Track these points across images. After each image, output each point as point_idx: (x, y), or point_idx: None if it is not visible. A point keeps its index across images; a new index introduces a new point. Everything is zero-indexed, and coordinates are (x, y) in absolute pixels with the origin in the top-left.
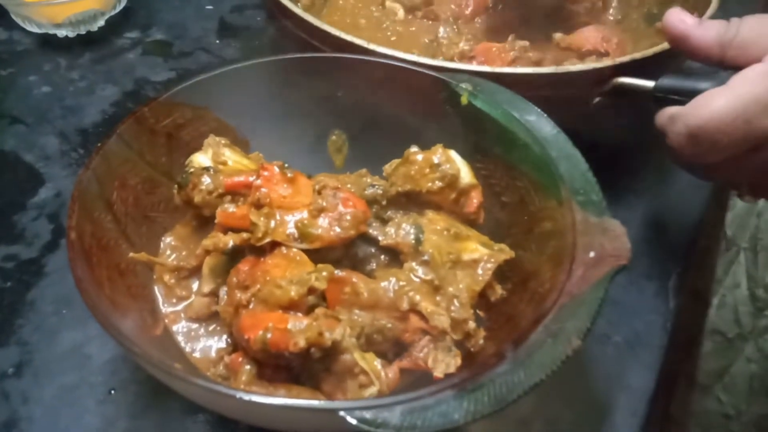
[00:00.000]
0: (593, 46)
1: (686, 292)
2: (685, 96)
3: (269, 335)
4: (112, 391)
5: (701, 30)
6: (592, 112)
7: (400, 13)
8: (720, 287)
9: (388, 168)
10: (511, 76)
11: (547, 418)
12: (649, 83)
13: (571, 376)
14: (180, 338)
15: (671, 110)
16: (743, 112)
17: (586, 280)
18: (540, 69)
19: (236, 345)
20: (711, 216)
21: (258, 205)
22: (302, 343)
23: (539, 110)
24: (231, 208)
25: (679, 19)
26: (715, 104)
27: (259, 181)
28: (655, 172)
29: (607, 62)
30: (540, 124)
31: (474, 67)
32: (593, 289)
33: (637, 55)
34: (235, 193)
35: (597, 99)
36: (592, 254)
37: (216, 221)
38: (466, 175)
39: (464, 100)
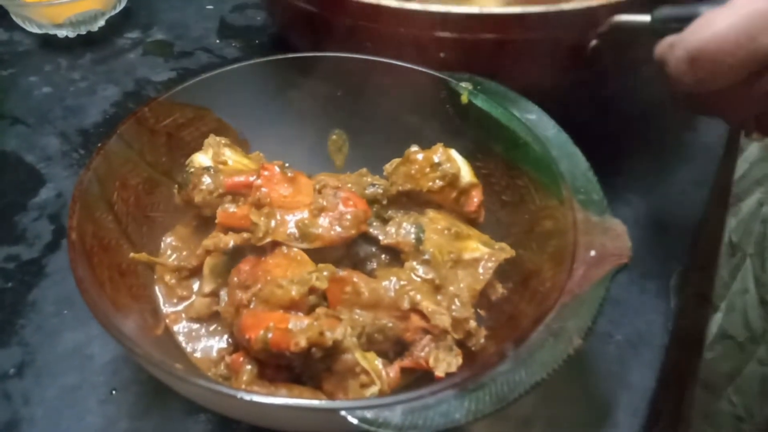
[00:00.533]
0: None
1: (689, 293)
2: (685, 23)
3: (270, 335)
4: (114, 392)
5: None
6: (590, 57)
7: None
8: (728, 292)
9: (388, 167)
10: (500, 17)
11: (548, 416)
12: (646, 17)
13: (572, 374)
14: (181, 338)
15: (670, 38)
16: (746, 28)
17: (587, 279)
18: (530, 8)
19: (237, 345)
20: (713, 215)
21: (258, 205)
22: (303, 342)
23: (540, 109)
24: (231, 208)
25: None
26: (717, 24)
27: (259, 181)
28: (656, 171)
29: (600, 0)
30: (541, 122)
31: (460, 8)
32: (594, 288)
33: None
34: (235, 193)
35: (594, 42)
36: (593, 253)
37: (216, 221)
38: (466, 174)
39: (464, 98)
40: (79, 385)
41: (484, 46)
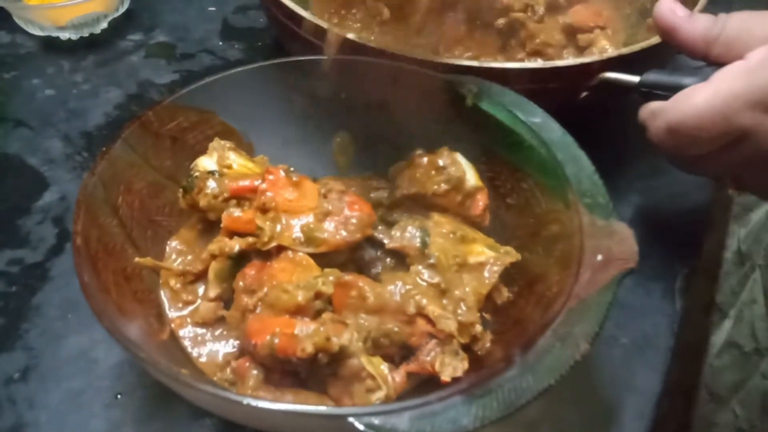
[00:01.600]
0: (591, 21)
1: (693, 300)
2: (669, 91)
3: (276, 341)
4: (119, 396)
5: (690, 23)
6: (579, 106)
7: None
8: (737, 301)
9: (393, 170)
10: (499, 70)
11: (554, 419)
12: (635, 78)
13: (578, 377)
14: (186, 343)
15: (653, 105)
16: (721, 108)
17: (593, 284)
18: (527, 64)
19: (243, 350)
20: (716, 217)
21: (263, 210)
22: (310, 348)
23: (545, 112)
24: (236, 212)
25: (670, 9)
26: (695, 100)
27: (264, 185)
28: (659, 174)
29: (594, 57)
30: (546, 125)
31: (460, 61)
32: (601, 293)
33: (625, 51)
34: (240, 197)
35: (584, 93)
36: (599, 257)
37: (222, 225)
38: (471, 177)
39: (469, 101)
40: (84, 389)
41: None
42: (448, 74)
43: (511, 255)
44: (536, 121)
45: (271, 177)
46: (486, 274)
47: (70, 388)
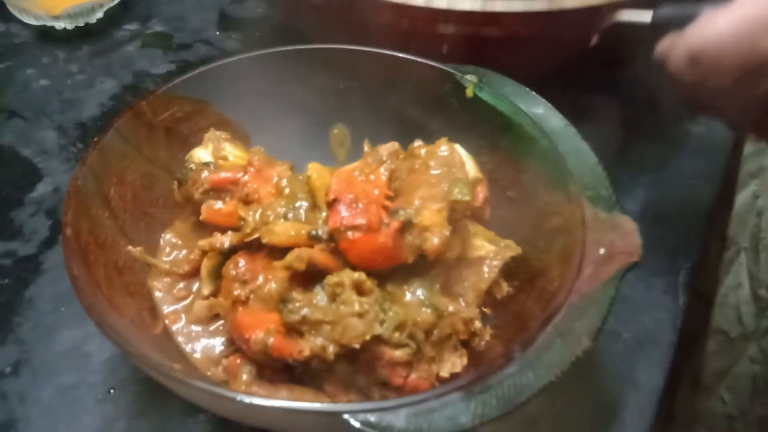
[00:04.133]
0: None
1: (690, 292)
2: (685, 23)
3: (271, 340)
4: (112, 391)
5: None
6: (591, 54)
7: None
8: (721, 286)
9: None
10: (502, 14)
11: (555, 416)
12: (648, 16)
13: (579, 373)
14: (180, 338)
15: (672, 37)
16: (748, 30)
17: (596, 278)
18: (532, 5)
19: (233, 343)
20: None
21: (247, 201)
22: (307, 352)
23: (547, 102)
24: (217, 204)
25: None
26: (718, 24)
27: (246, 177)
28: (663, 166)
29: None
30: (548, 116)
31: (464, 4)
32: (604, 288)
33: None
34: (221, 189)
35: (595, 39)
36: (602, 251)
37: (201, 218)
38: (471, 168)
39: (469, 92)
40: (76, 384)
41: (487, 42)
42: (448, 64)
43: (511, 249)
44: (538, 111)
45: (252, 169)
46: (485, 268)
47: (63, 383)
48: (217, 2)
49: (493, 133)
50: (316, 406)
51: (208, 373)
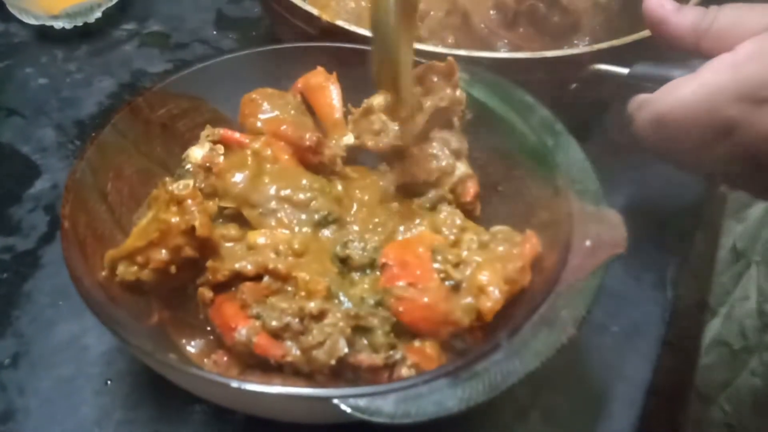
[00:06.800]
0: None
1: (687, 300)
2: (658, 83)
3: (255, 339)
4: (109, 382)
5: (679, 16)
6: (570, 97)
7: None
8: (729, 298)
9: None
10: (489, 60)
11: (545, 407)
12: (624, 70)
13: (568, 366)
14: (175, 329)
15: (641, 97)
16: (707, 100)
17: (582, 269)
18: (517, 54)
19: (217, 338)
20: (709, 211)
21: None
22: (291, 358)
23: (536, 99)
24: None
25: (658, 3)
26: (681, 91)
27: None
28: (653, 164)
29: (584, 49)
30: (537, 113)
31: (451, 51)
32: (589, 278)
33: (616, 42)
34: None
35: (574, 85)
36: (588, 243)
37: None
38: (461, 164)
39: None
40: (74, 376)
41: None
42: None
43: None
44: (527, 108)
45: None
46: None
47: (61, 375)
48: (214, 2)
49: (483, 130)
50: (307, 391)
51: (205, 360)
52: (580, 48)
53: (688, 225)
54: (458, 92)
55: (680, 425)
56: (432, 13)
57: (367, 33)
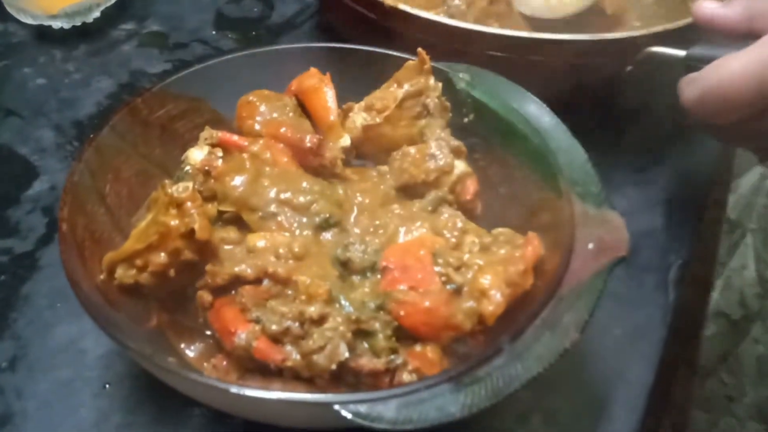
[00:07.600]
0: None
1: (688, 280)
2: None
3: (254, 344)
4: (107, 386)
5: (724, 10)
6: (624, 80)
7: None
8: (724, 269)
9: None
10: (546, 42)
11: (546, 411)
12: (681, 52)
13: (570, 369)
14: (174, 333)
15: (691, 75)
16: (755, 72)
17: (584, 272)
18: (575, 36)
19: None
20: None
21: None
22: (297, 357)
23: (538, 100)
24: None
25: (701, 7)
26: (731, 66)
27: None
28: (656, 166)
29: (641, 31)
30: (539, 114)
31: (500, 30)
32: (592, 282)
33: (670, 26)
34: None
35: (629, 67)
36: (590, 246)
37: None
38: (460, 163)
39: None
40: (73, 379)
41: (530, 66)
42: (441, 62)
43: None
44: (530, 109)
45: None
46: None
47: (59, 378)
48: (213, 2)
49: (485, 130)
50: (308, 397)
51: (204, 364)
52: (637, 30)
53: (691, 228)
54: (431, 80)
55: (674, 401)
56: (476, 2)
57: (430, 17)
